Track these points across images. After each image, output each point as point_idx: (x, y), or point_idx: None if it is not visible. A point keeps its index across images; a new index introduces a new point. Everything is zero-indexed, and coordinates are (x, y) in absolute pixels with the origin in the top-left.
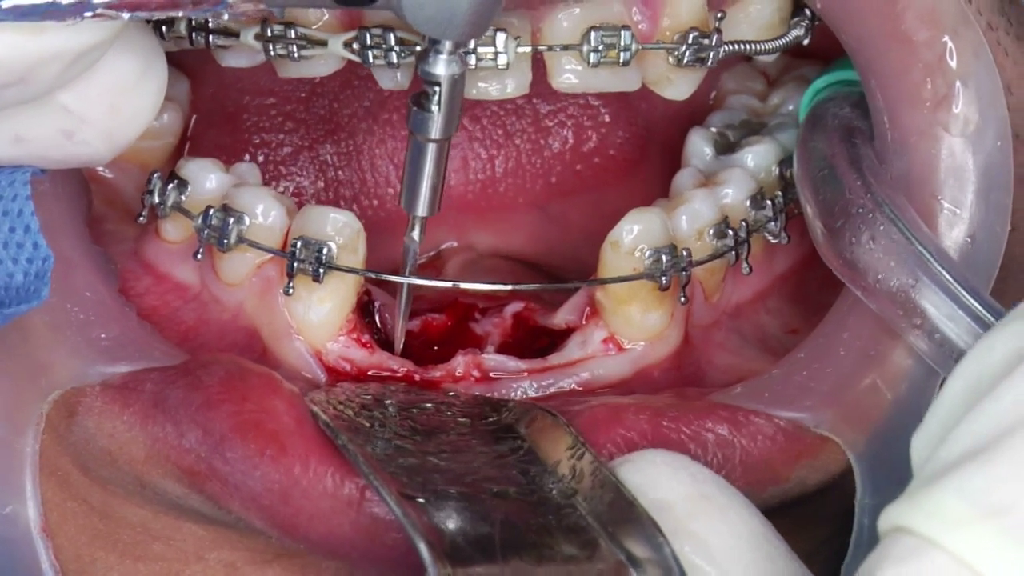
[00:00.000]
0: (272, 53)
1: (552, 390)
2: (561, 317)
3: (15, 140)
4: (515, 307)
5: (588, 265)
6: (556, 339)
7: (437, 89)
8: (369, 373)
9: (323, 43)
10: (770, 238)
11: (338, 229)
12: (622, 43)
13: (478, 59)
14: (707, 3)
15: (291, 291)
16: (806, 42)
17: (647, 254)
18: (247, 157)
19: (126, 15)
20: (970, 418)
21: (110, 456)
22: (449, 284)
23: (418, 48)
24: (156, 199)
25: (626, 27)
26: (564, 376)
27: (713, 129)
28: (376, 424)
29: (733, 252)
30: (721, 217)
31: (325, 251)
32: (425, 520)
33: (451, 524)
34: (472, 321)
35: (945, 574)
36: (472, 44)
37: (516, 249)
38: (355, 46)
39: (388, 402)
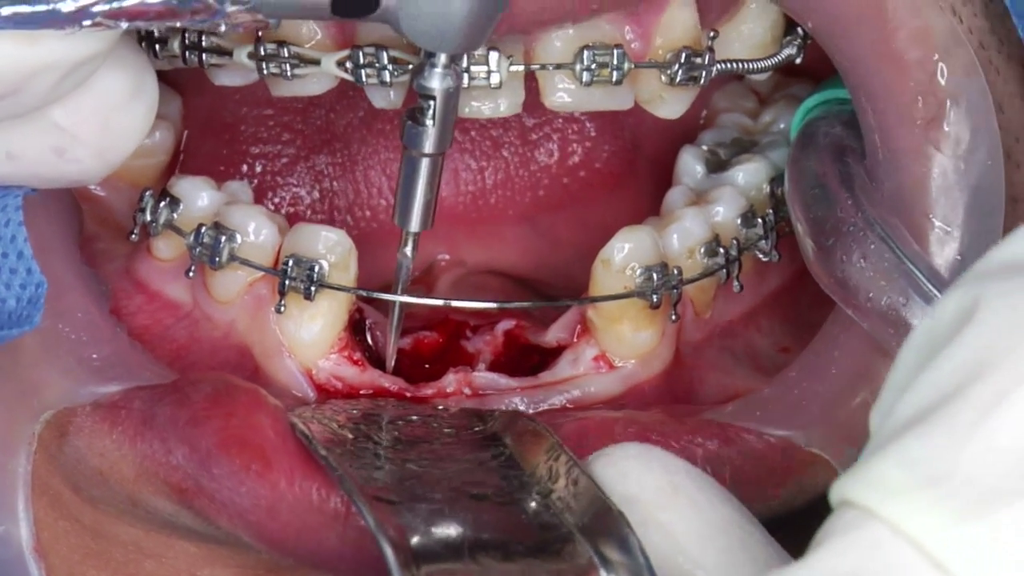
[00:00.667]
0: (265, 72)
1: (543, 407)
2: (552, 335)
3: (6, 157)
4: (506, 325)
5: (578, 280)
6: (547, 357)
7: (432, 103)
8: (360, 391)
9: (316, 62)
10: (761, 256)
11: (330, 247)
12: (614, 62)
13: (471, 78)
14: (699, 22)
15: (283, 309)
16: (798, 61)
17: (638, 272)
18: (244, 168)
19: (124, 24)
20: (914, 387)
21: (101, 475)
22: (441, 302)
23: (411, 67)
24: (148, 217)
25: (619, 46)
26: (555, 394)
27: (704, 147)
28: (360, 436)
29: (724, 270)
30: (712, 235)
31: (317, 269)
32: (396, 522)
33: (422, 525)
34: (463, 339)
35: (883, 544)
36: (465, 63)
37: (506, 263)
38: (348, 65)
39: (375, 415)
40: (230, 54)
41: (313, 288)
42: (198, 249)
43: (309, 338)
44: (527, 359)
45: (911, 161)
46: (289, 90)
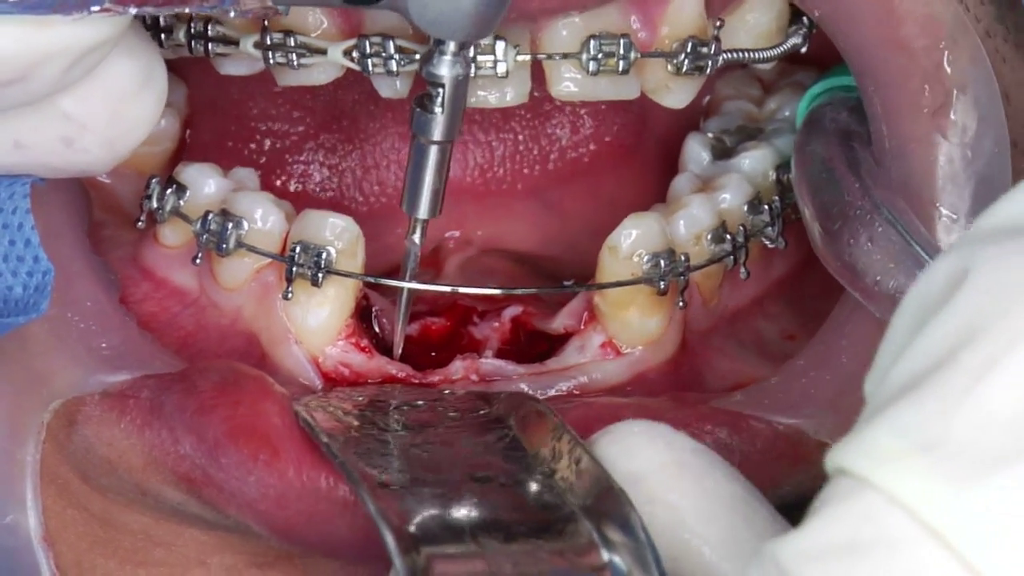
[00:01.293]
0: (271, 61)
1: (550, 393)
2: (559, 322)
3: (15, 146)
4: (514, 311)
5: (586, 259)
6: (554, 343)
7: (440, 91)
8: (368, 378)
9: (322, 51)
10: (767, 243)
11: (337, 234)
12: (621, 51)
13: (477, 67)
14: (705, 12)
15: (290, 296)
16: (804, 50)
17: (645, 259)
18: (252, 145)
19: (133, 10)
20: (906, 354)
21: (110, 464)
22: (448, 289)
23: (417, 56)
24: (155, 204)
25: (625, 35)
26: (562, 380)
27: (710, 134)
28: (365, 423)
29: (731, 257)
30: (719, 222)
31: (324, 255)
32: (397, 507)
33: (425, 509)
34: (471, 325)
35: (878, 511)
36: (472, 52)
37: (515, 237)
38: (355, 54)
39: (380, 402)
40: (236, 43)
41: (320, 275)
42: (205, 236)
43: (316, 325)
44: (534, 345)
45: (918, 149)
46: (295, 79)
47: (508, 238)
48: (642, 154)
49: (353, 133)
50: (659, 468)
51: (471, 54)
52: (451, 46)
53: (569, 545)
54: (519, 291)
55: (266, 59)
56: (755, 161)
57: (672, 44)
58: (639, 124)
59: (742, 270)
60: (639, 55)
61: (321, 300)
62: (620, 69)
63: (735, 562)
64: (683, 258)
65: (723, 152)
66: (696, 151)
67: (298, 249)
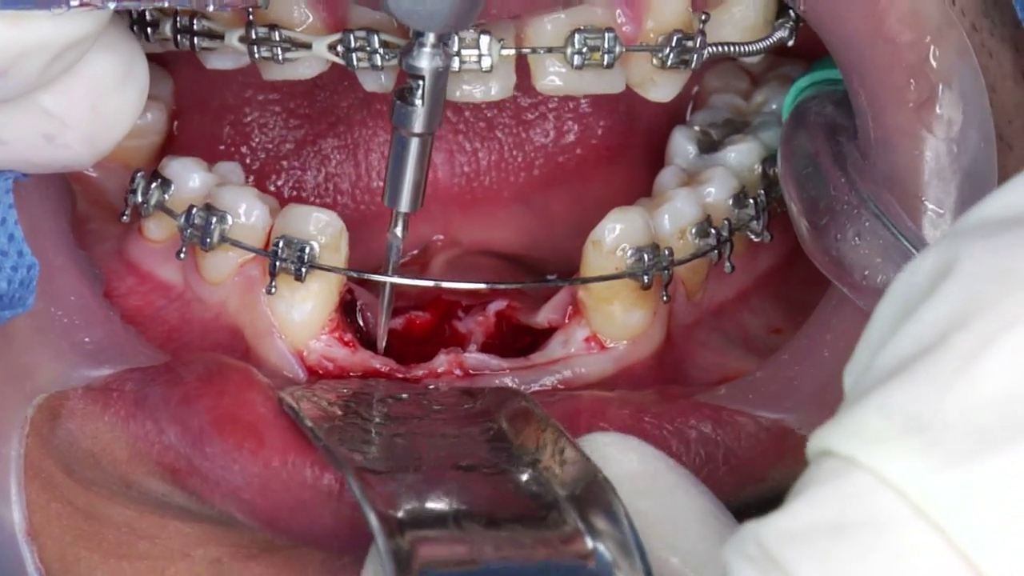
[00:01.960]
0: (256, 55)
1: (534, 388)
2: (543, 316)
3: None
4: (498, 305)
5: (572, 259)
6: (538, 338)
7: (420, 83)
8: (351, 372)
9: (307, 46)
10: (753, 237)
11: (320, 228)
12: (606, 45)
13: (462, 61)
14: (691, 5)
15: (273, 290)
16: (790, 44)
17: (629, 253)
18: (244, 149)
19: (112, 5)
20: (894, 340)
21: (93, 457)
22: (431, 283)
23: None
24: (139, 198)
25: (610, 29)
26: (546, 374)
27: (696, 128)
28: (350, 412)
29: (716, 251)
30: (704, 216)
31: (307, 250)
32: (381, 492)
33: (409, 494)
34: (455, 319)
35: (865, 492)
36: (456, 47)
37: (501, 242)
38: (339, 48)
39: (366, 394)
40: (222, 37)
41: (304, 269)
42: (189, 230)
43: (300, 319)
44: (519, 339)
45: (903, 143)
46: (280, 74)
47: (495, 243)
48: (629, 154)
49: (343, 132)
50: (631, 478)
51: (455, 49)
52: (430, 38)
53: (554, 533)
54: (502, 285)
55: (251, 53)
56: (741, 155)
57: (657, 38)
58: (625, 124)
59: (727, 264)
60: (624, 49)
61: (305, 295)
62: (605, 63)
63: (703, 572)
64: (667, 252)
65: (710, 145)
66: (682, 144)
67: (281, 244)
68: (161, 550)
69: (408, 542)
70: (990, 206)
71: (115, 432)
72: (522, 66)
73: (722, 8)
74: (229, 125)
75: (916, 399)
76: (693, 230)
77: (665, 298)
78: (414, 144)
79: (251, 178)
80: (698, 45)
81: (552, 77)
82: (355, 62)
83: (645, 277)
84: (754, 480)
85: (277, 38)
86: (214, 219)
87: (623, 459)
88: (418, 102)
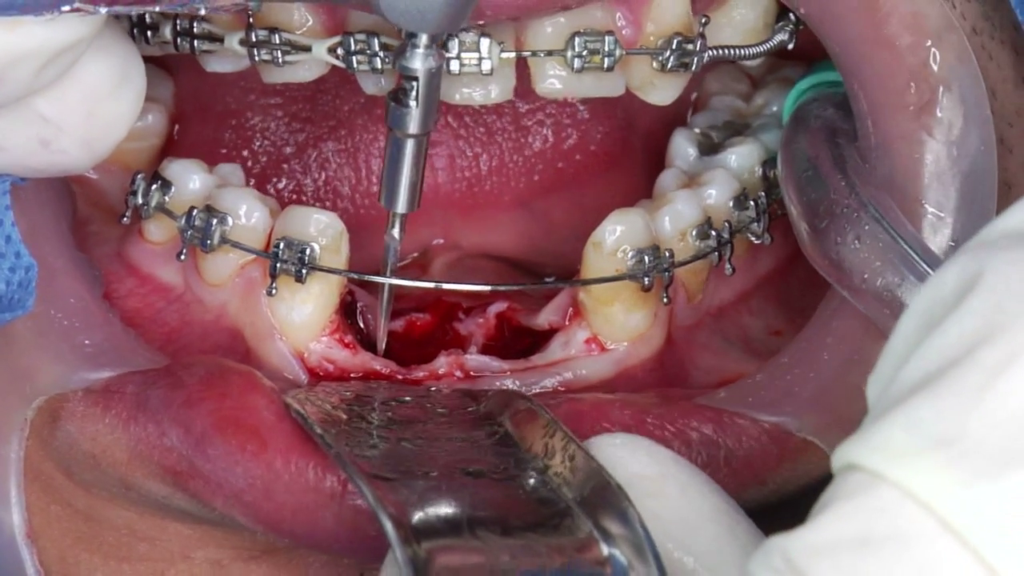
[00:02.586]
0: (256, 58)
1: (535, 390)
2: (544, 318)
3: None
4: (498, 307)
5: (572, 264)
6: (539, 339)
7: (414, 84)
8: (352, 374)
9: (307, 48)
10: (753, 239)
11: (321, 230)
12: (606, 48)
13: (462, 64)
14: (691, 8)
15: (274, 292)
16: (790, 47)
17: (630, 255)
18: (245, 152)
19: (103, 9)
20: (919, 353)
21: (93, 459)
22: (431, 284)
23: None
24: (140, 200)
25: (610, 33)
26: (547, 376)
27: (697, 130)
28: (354, 416)
29: (716, 253)
30: (704, 218)
31: (308, 252)
32: (393, 498)
33: (420, 502)
34: (456, 321)
35: (891, 506)
36: (456, 50)
37: (502, 247)
38: (339, 51)
39: (368, 397)
40: (221, 40)
41: (304, 271)
42: (189, 232)
43: (300, 321)
44: (519, 341)
45: (904, 147)
46: (280, 77)
47: (495, 247)
48: (628, 160)
49: (343, 136)
50: (642, 478)
51: (455, 51)
52: (423, 39)
53: (568, 540)
54: (502, 287)
55: (251, 56)
56: (741, 157)
57: (657, 41)
58: (624, 130)
59: (727, 266)
60: (624, 52)
61: (305, 296)
62: (605, 66)
63: (718, 573)
64: (668, 254)
65: (710, 147)
66: (682, 147)
67: (282, 245)
68: (161, 552)
69: (425, 550)
70: (1013, 218)
71: (115, 434)
72: (521, 72)
73: (722, 11)
74: (231, 129)
75: (942, 414)
76: (693, 232)
77: (665, 300)
78: (409, 145)
79: (252, 181)
80: (698, 48)
81: (552, 80)
82: (355, 65)
83: (645, 279)
84: (754, 483)
85: (277, 41)
86: (214, 220)
87: (634, 460)
88: (412, 103)
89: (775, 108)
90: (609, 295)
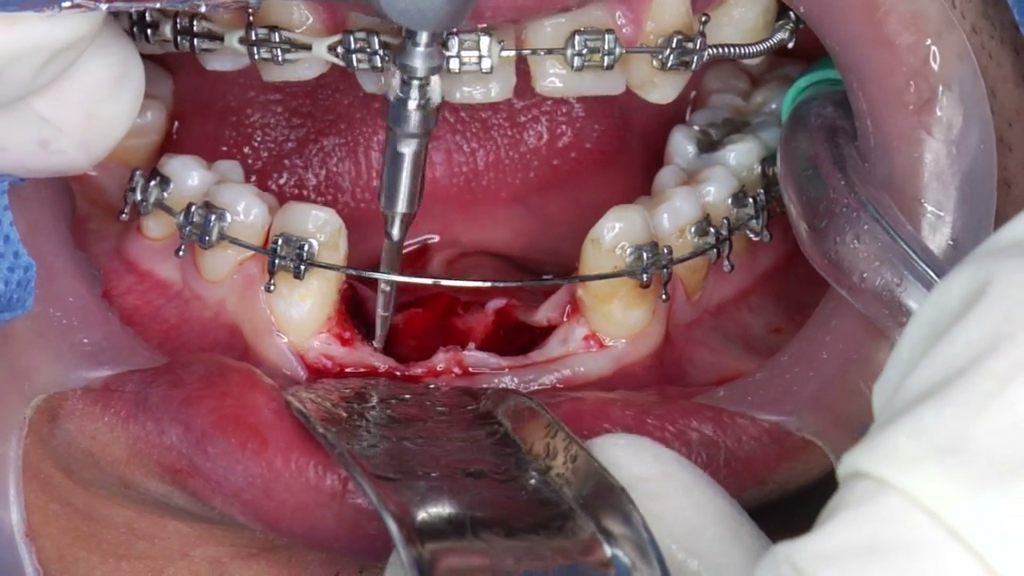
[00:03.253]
0: (256, 56)
1: (534, 387)
2: (542, 314)
3: None
4: (497, 303)
5: (569, 262)
6: (537, 336)
7: (415, 82)
8: (350, 370)
9: (307, 47)
10: (752, 236)
11: (319, 226)
12: (606, 47)
13: (462, 63)
14: (691, 7)
15: (272, 288)
16: (790, 45)
17: (628, 251)
18: (242, 141)
19: (104, 6)
20: (925, 362)
21: (92, 458)
22: (430, 281)
23: None
24: (138, 196)
25: (610, 31)
26: (545, 373)
27: (696, 127)
28: (354, 414)
29: (715, 250)
30: (703, 215)
31: (306, 248)
32: (396, 499)
33: (423, 502)
34: (455, 316)
35: (898, 514)
36: (456, 48)
37: (500, 243)
38: (339, 50)
39: (368, 394)
40: (221, 39)
41: (303, 267)
42: (188, 228)
43: (299, 317)
44: (518, 338)
45: (903, 146)
46: (280, 75)
47: (493, 243)
48: (624, 158)
49: (344, 131)
50: (646, 479)
51: (455, 50)
52: (424, 37)
53: (572, 542)
54: (501, 283)
55: (251, 54)
56: (740, 154)
57: (657, 40)
58: (620, 128)
59: (726, 263)
60: (624, 51)
61: (304, 292)
62: (605, 65)
63: (722, 574)
64: (666, 251)
65: (709, 145)
66: (681, 144)
67: (280, 241)
68: (160, 550)
69: (429, 552)
70: (1020, 227)
71: (115, 432)
72: (519, 69)
73: (722, 10)
74: (231, 126)
75: (949, 422)
76: (692, 229)
77: (664, 297)
78: (409, 145)
79: (253, 178)
80: (698, 47)
81: (552, 79)
82: (355, 63)
83: (644, 276)
84: (754, 482)
85: (277, 39)
86: (213, 217)
87: (636, 461)
88: (412, 102)
89: (774, 106)
90: (607, 292)
